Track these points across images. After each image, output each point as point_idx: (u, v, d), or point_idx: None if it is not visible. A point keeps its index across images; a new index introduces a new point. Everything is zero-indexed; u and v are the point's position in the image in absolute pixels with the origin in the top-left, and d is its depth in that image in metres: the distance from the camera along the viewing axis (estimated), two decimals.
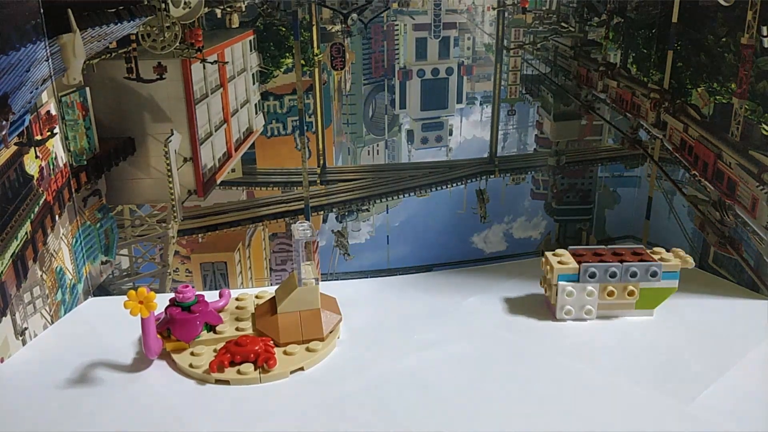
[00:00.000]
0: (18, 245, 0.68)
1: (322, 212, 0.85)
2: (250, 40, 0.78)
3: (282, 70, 0.79)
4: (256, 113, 0.81)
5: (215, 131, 0.80)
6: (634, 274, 0.71)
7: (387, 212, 0.86)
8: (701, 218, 0.85)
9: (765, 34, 0.73)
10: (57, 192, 0.74)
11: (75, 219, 0.78)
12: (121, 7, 0.72)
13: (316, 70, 0.80)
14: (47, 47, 0.70)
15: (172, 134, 0.78)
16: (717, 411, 0.57)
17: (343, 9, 0.79)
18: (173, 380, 0.64)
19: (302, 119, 0.81)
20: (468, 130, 0.87)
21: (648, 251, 0.74)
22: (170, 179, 0.79)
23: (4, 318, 0.67)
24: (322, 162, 0.84)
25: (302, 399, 0.61)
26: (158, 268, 0.83)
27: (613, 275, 0.71)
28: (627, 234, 0.95)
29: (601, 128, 0.91)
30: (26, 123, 0.69)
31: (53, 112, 0.73)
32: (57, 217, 0.74)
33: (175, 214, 0.81)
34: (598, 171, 0.93)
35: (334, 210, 0.85)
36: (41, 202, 0.71)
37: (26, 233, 0.69)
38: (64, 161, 0.75)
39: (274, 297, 0.72)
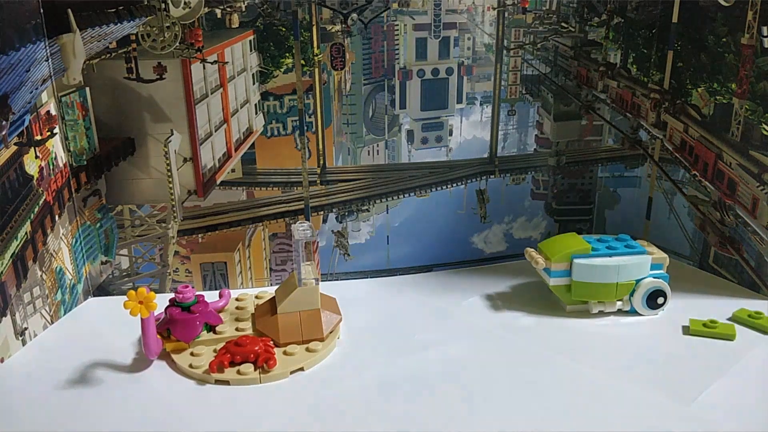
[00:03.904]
0: (18, 245, 0.68)
1: (322, 212, 0.85)
2: (250, 40, 0.78)
3: (282, 70, 0.79)
4: (256, 113, 0.81)
5: (215, 131, 0.80)
6: None
7: (387, 212, 0.86)
8: (701, 218, 0.85)
9: (765, 34, 0.73)
10: (57, 192, 0.74)
11: (75, 219, 0.78)
12: (121, 7, 0.72)
13: (316, 70, 0.80)
14: (47, 47, 0.70)
15: (172, 134, 0.78)
16: (717, 411, 0.57)
17: (343, 9, 0.79)
18: (173, 380, 0.64)
19: (302, 119, 0.81)
20: (468, 131, 0.87)
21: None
22: (170, 179, 0.79)
23: (4, 318, 0.67)
24: (322, 162, 0.84)
25: (302, 399, 0.60)
26: (158, 268, 0.83)
27: None
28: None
29: (601, 128, 0.91)
30: (26, 123, 0.69)
31: (53, 112, 0.73)
32: (57, 217, 0.74)
33: (175, 214, 0.81)
34: (598, 171, 0.93)
35: (334, 210, 0.85)
36: (41, 202, 0.71)
37: (26, 233, 0.69)
38: (64, 161, 0.75)
39: (274, 297, 0.72)
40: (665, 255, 0.74)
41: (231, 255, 0.83)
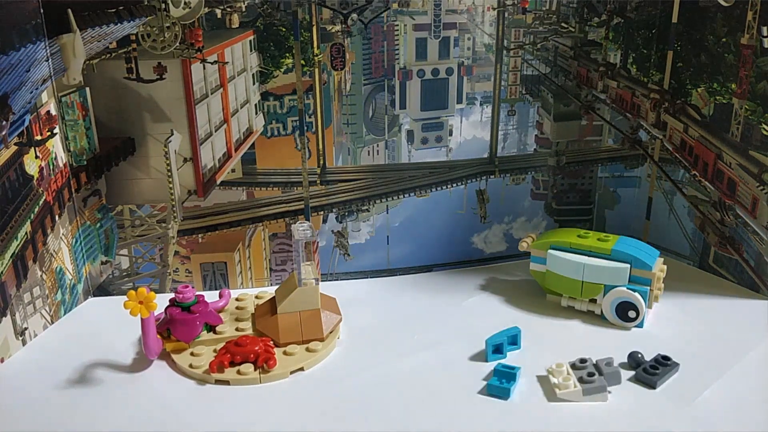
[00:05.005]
0: (18, 245, 0.68)
1: (322, 212, 0.85)
2: (250, 40, 0.78)
3: (282, 70, 0.79)
4: (256, 113, 0.81)
5: (215, 131, 0.80)
6: None
7: (387, 212, 0.86)
8: (701, 218, 0.85)
9: (765, 34, 0.73)
10: (57, 192, 0.74)
11: (75, 219, 0.78)
12: (121, 7, 0.72)
13: (316, 70, 0.80)
14: (47, 47, 0.70)
15: (172, 134, 0.78)
16: (717, 411, 0.57)
17: (343, 9, 0.79)
18: (173, 380, 0.64)
19: (302, 119, 0.81)
20: (468, 131, 0.87)
21: None
22: (170, 179, 0.79)
23: (4, 318, 0.67)
24: (322, 162, 0.84)
25: (302, 399, 0.61)
26: (158, 268, 0.83)
27: None
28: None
29: (601, 128, 0.91)
30: (26, 123, 0.69)
31: (53, 112, 0.73)
32: (57, 217, 0.74)
33: (175, 214, 0.81)
34: (598, 171, 0.93)
35: (334, 210, 0.85)
36: (41, 202, 0.71)
37: (26, 233, 0.69)
38: (64, 161, 0.75)
39: (274, 297, 0.72)
40: (654, 272, 0.71)
41: (231, 255, 0.83)
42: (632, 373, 0.62)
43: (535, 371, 0.63)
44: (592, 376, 0.60)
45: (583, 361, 0.62)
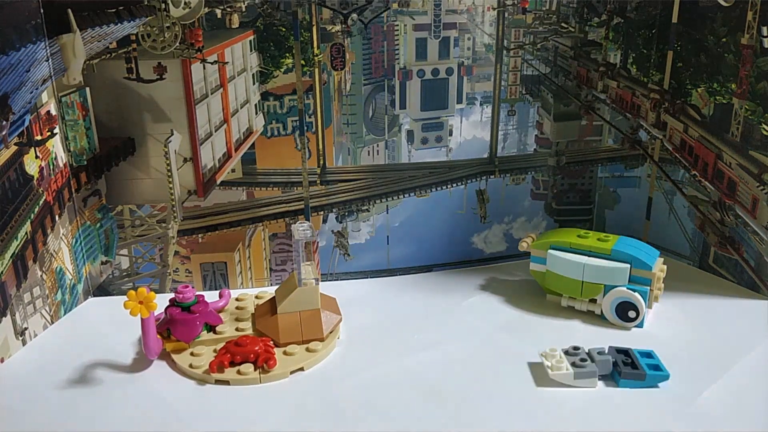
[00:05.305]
0: (18, 245, 0.68)
1: (322, 212, 0.85)
2: (250, 40, 0.78)
3: (282, 70, 0.79)
4: (256, 113, 0.81)
5: (215, 131, 0.80)
6: None
7: (387, 212, 0.86)
8: (701, 218, 0.85)
9: (765, 34, 0.73)
10: (57, 192, 0.74)
11: (75, 219, 0.78)
12: (121, 7, 0.72)
13: (316, 70, 0.80)
14: (47, 47, 0.70)
15: (172, 134, 0.78)
16: (717, 411, 0.57)
17: (343, 9, 0.79)
18: (173, 380, 0.64)
19: (302, 119, 0.81)
20: (468, 131, 0.87)
21: None
22: (170, 179, 0.79)
23: (4, 318, 0.67)
24: (322, 162, 0.84)
25: (302, 399, 0.61)
26: (158, 268, 0.83)
27: None
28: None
29: (601, 128, 0.91)
30: (26, 123, 0.69)
31: (53, 112, 0.73)
32: (57, 217, 0.74)
33: (175, 214, 0.81)
34: (598, 171, 0.93)
35: (334, 210, 0.85)
36: (41, 202, 0.71)
37: (26, 233, 0.69)
38: (64, 161, 0.75)
39: (274, 297, 0.72)
40: (654, 272, 0.71)
41: (231, 255, 0.83)
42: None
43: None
44: (585, 362, 0.61)
45: (576, 348, 0.63)
